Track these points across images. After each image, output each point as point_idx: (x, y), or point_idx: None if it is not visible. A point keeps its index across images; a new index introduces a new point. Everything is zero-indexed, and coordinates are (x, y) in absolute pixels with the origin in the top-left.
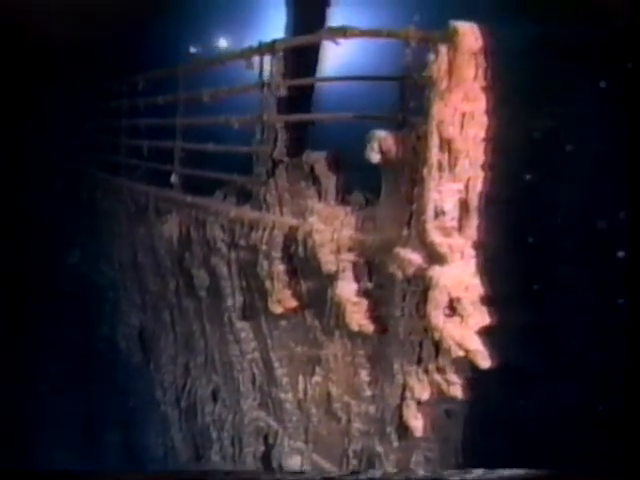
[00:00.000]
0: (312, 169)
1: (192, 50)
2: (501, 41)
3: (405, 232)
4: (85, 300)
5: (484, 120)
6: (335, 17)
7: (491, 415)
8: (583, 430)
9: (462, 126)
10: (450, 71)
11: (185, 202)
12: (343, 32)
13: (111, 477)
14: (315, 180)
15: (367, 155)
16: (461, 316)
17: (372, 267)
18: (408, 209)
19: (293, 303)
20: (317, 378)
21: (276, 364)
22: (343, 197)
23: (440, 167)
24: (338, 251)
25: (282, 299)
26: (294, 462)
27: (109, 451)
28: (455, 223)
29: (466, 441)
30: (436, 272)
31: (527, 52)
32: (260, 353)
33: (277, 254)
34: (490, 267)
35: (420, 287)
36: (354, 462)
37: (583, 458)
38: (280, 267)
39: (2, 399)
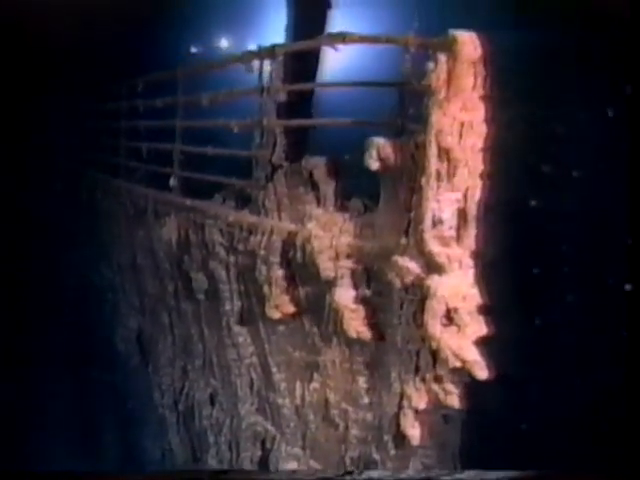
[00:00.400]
0: (311, 175)
1: (193, 51)
2: (500, 49)
3: (403, 240)
4: (84, 302)
5: (483, 129)
6: (335, 17)
7: (489, 420)
8: (583, 430)
9: (461, 135)
10: (449, 80)
11: (184, 205)
12: (342, 38)
13: (110, 477)
14: (314, 186)
15: (366, 162)
16: (458, 326)
17: (370, 274)
18: (406, 217)
19: (291, 309)
20: (315, 384)
21: (274, 369)
22: (342, 203)
23: (438, 176)
24: (336, 257)
25: (280, 304)
26: (291, 468)
27: (107, 452)
28: (453, 232)
29: (464, 446)
30: (434, 282)
31: (526, 59)
32: (258, 358)
33: (275, 259)
34: (488, 277)
35: (418, 296)
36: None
37: (583, 458)
38: (278, 272)
39: (2, 399)
